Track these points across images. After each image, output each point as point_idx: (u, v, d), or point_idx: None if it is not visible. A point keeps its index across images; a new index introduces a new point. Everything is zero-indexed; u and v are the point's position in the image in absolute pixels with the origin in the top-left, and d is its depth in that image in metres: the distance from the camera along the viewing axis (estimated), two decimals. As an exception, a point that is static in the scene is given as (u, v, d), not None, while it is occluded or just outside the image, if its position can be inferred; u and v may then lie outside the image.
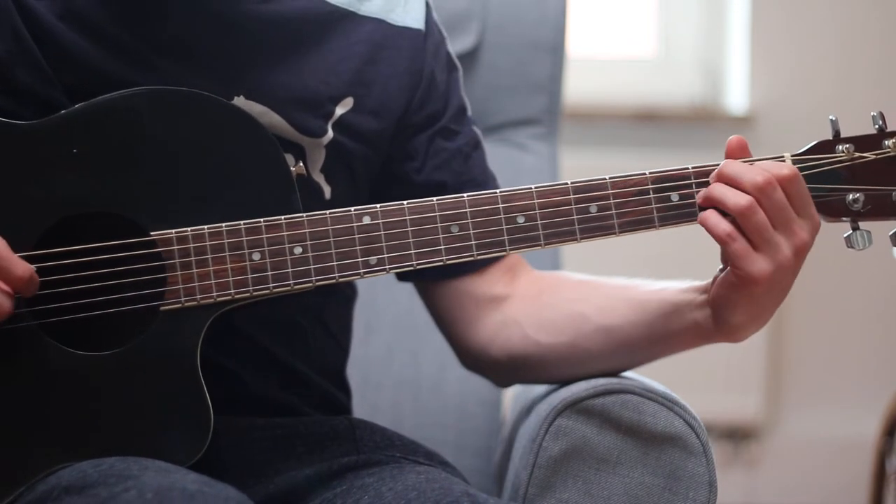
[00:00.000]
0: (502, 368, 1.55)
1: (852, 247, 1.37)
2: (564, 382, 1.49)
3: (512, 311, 1.53)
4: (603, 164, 3.06)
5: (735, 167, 1.34)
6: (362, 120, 1.47)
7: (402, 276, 1.56)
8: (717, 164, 1.37)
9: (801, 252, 1.34)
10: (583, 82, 3.14)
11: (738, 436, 3.30)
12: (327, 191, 1.46)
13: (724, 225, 1.33)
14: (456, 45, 2.03)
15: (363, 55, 1.48)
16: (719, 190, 1.34)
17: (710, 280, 1.40)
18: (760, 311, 1.38)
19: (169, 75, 1.37)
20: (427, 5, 1.56)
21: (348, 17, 1.48)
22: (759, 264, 1.33)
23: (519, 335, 1.51)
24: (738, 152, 1.38)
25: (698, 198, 1.35)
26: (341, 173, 1.47)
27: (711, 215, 1.34)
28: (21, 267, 1.24)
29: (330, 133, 1.45)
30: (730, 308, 1.38)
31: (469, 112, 1.59)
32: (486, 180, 1.56)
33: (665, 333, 1.44)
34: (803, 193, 1.34)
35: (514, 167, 2.11)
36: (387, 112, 1.50)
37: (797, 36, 3.31)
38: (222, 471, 1.29)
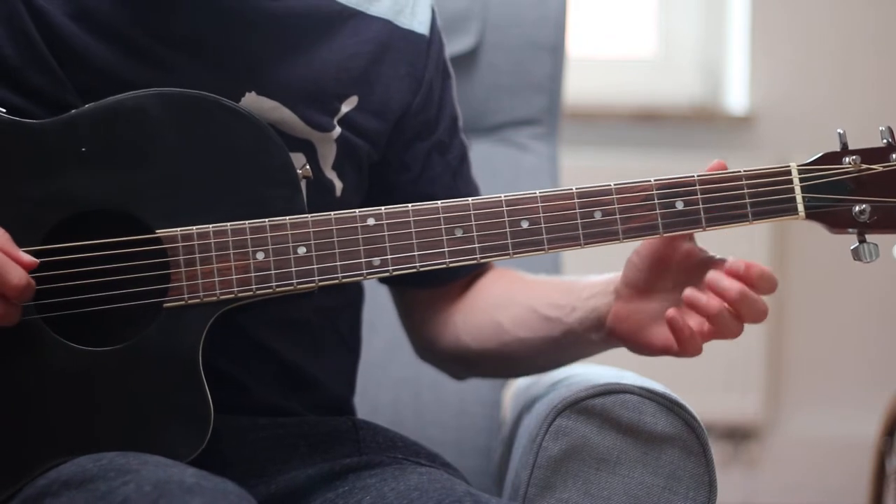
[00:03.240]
0: (445, 362, 1.65)
1: (859, 259, 1.38)
2: (499, 378, 1.70)
3: (453, 313, 1.60)
4: (603, 164, 3.07)
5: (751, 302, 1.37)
6: (365, 119, 1.48)
7: (382, 279, 1.59)
8: (722, 174, 1.37)
9: None
10: (583, 82, 3.14)
11: (738, 436, 3.30)
12: (339, 187, 1.47)
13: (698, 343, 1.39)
14: (456, 45, 2.03)
15: (370, 55, 1.49)
16: (714, 303, 1.37)
17: (604, 296, 1.46)
18: None
19: (180, 73, 1.38)
20: (433, 11, 1.56)
21: (357, 17, 1.49)
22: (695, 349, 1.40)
23: (453, 337, 1.59)
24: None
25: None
26: (351, 168, 1.48)
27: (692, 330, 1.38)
28: (17, 275, 1.25)
29: (337, 129, 1.46)
30: (637, 350, 1.45)
31: (460, 122, 1.61)
32: (471, 193, 1.59)
33: (569, 347, 1.52)
34: None
35: (514, 167, 2.11)
36: (387, 113, 1.50)
37: (797, 36, 3.31)
38: (224, 469, 1.29)
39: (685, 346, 1.38)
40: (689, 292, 1.37)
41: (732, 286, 1.36)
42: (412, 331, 1.66)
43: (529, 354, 1.55)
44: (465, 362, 1.62)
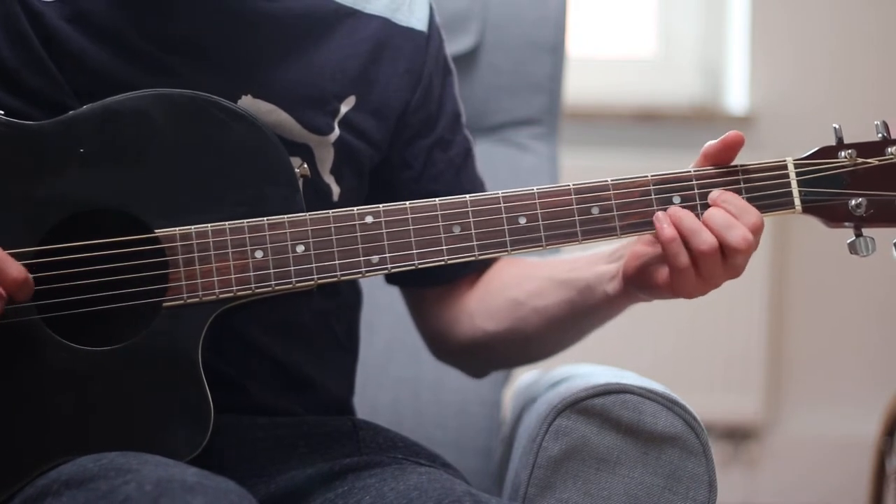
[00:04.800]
0: (463, 356, 1.64)
1: (856, 253, 1.38)
2: (518, 365, 1.68)
3: (467, 303, 1.59)
4: (603, 164, 3.06)
5: (723, 220, 1.35)
6: (363, 119, 1.48)
7: (390, 280, 1.61)
8: (718, 169, 1.37)
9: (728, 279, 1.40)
10: (583, 82, 3.14)
11: (738, 436, 3.30)
12: (336, 192, 1.47)
13: (684, 256, 1.36)
14: (456, 45, 2.03)
15: (368, 54, 1.49)
16: (690, 224, 1.35)
17: (625, 248, 1.45)
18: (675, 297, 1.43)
19: (177, 75, 1.38)
20: (431, 8, 1.56)
21: (354, 16, 1.49)
22: (695, 287, 1.37)
23: (469, 325, 1.59)
24: (726, 151, 1.39)
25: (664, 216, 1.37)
26: (350, 172, 1.48)
27: (666, 226, 1.36)
28: (16, 270, 1.25)
29: (337, 131, 1.46)
30: (647, 293, 1.43)
31: (463, 118, 1.61)
32: (475, 189, 1.59)
33: (584, 307, 1.50)
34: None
35: (514, 167, 2.11)
36: (387, 111, 1.50)
37: (797, 36, 3.31)
38: (224, 469, 1.29)
39: (674, 267, 1.36)
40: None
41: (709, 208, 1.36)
42: (427, 330, 1.65)
43: (543, 325, 1.54)
44: (482, 350, 1.60)
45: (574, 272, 1.52)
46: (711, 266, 1.36)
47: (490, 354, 1.62)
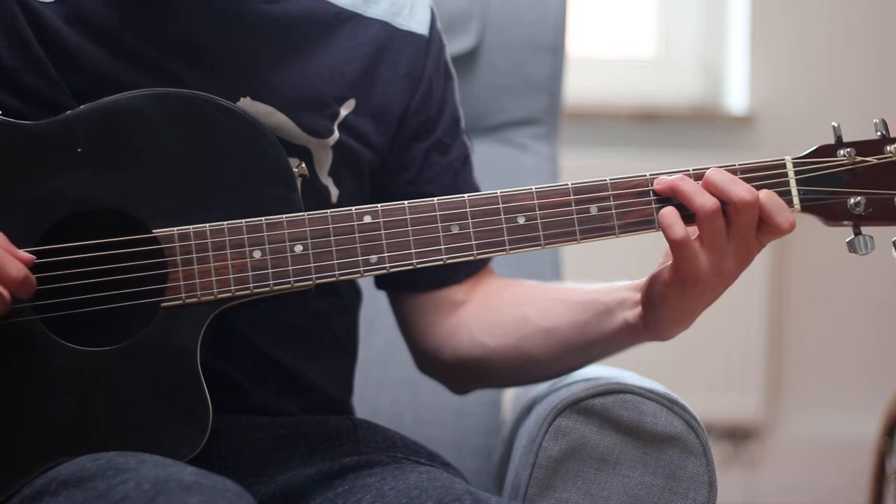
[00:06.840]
0: (453, 372, 1.60)
1: (855, 251, 1.38)
2: (512, 386, 1.63)
3: (464, 316, 1.57)
4: (603, 164, 3.07)
5: (725, 177, 1.34)
6: (363, 122, 1.48)
7: (379, 285, 1.60)
8: (715, 167, 1.37)
9: (743, 267, 1.36)
10: (583, 82, 3.14)
11: (738, 436, 3.31)
12: (334, 193, 1.46)
13: (680, 226, 1.33)
14: (456, 45, 2.03)
15: (368, 57, 1.49)
16: (689, 186, 1.34)
17: (645, 278, 1.42)
18: (689, 311, 1.40)
19: (175, 76, 1.38)
20: (432, 12, 1.56)
21: (354, 19, 1.49)
22: (701, 264, 1.34)
23: (467, 338, 1.55)
24: None
25: (659, 184, 1.35)
26: (349, 175, 1.48)
27: (670, 213, 1.34)
28: (15, 268, 1.25)
29: (336, 134, 1.46)
30: (661, 306, 1.39)
31: (462, 123, 1.60)
32: None
33: (598, 333, 1.46)
34: (773, 218, 1.35)
35: (514, 167, 2.11)
36: (386, 115, 1.50)
37: (797, 36, 3.31)
38: (224, 469, 1.30)
39: (675, 243, 1.33)
40: None
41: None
42: (414, 340, 1.61)
43: (550, 346, 1.50)
44: (477, 366, 1.56)
45: (592, 295, 1.48)
46: (716, 233, 1.33)
47: (485, 372, 1.57)
